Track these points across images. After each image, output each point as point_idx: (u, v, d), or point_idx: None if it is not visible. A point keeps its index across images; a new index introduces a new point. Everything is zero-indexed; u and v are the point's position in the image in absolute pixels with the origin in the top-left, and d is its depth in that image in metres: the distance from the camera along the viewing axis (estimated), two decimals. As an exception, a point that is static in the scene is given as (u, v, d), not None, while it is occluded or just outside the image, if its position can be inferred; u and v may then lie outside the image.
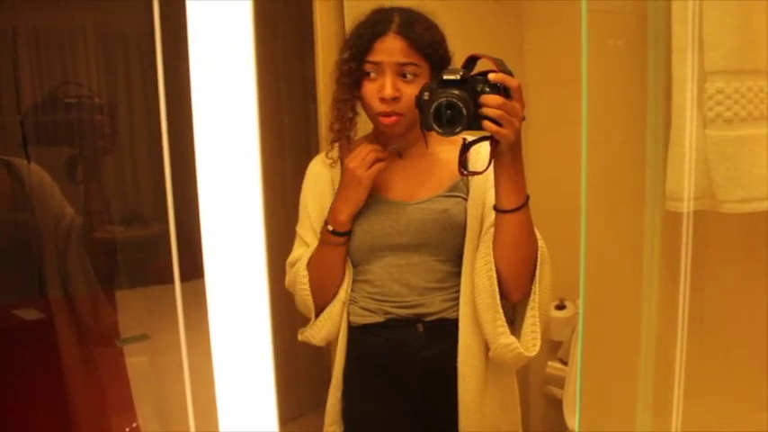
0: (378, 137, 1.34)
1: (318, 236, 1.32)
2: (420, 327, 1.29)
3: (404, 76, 1.22)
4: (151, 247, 1.42)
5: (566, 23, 1.97)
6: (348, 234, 1.29)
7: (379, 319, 1.30)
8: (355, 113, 1.30)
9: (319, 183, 1.36)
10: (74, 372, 1.29)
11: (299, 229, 1.37)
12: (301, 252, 1.35)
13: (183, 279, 0.79)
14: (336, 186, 1.33)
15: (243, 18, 0.67)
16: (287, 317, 1.40)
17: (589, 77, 0.89)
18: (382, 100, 1.21)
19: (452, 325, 1.27)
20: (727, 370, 1.08)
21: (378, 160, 1.24)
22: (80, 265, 1.29)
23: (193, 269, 0.77)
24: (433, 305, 1.28)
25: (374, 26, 1.23)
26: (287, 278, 1.37)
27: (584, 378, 0.91)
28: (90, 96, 1.31)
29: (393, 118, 1.21)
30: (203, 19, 0.66)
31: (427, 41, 1.22)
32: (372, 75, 1.23)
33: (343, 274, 1.32)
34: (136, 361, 1.39)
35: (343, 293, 1.32)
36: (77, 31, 1.47)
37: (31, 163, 1.26)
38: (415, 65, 1.21)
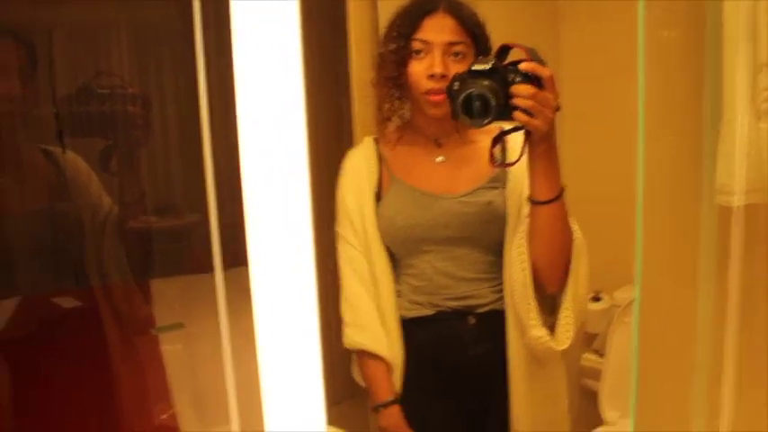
0: (412, 125, 1.32)
1: (357, 233, 1.30)
2: (472, 319, 1.27)
3: (452, 55, 1.21)
4: (184, 237, 1.42)
5: (602, 20, 1.95)
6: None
7: (429, 311, 1.29)
8: (403, 92, 1.28)
9: (356, 177, 1.34)
10: (111, 360, 1.29)
11: (340, 228, 1.34)
12: (351, 255, 1.32)
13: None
14: (374, 182, 1.31)
15: (289, 11, 0.66)
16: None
17: (644, 69, 0.87)
18: (431, 77, 1.21)
19: (503, 316, 1.25)
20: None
21: None
22: (116, 254, 1.29)
23: (225, 259, 0.76)
24: (483, 296, 1.27)
25: (422, 5, 1.23)
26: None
27: (639, 375, 0.89)
28: (123, 87, 1.30)
29: (442, 96, 1.20)
30: (248, 12, 0.65)
31: (475, 22, 1.23)
32: (420, 54, 1.22)
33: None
34: (170, 349, 1.39)
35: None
36: (112, 25, 1.47)
37: (67, 151, 1.26)
38: (464, 44, 1.21)
